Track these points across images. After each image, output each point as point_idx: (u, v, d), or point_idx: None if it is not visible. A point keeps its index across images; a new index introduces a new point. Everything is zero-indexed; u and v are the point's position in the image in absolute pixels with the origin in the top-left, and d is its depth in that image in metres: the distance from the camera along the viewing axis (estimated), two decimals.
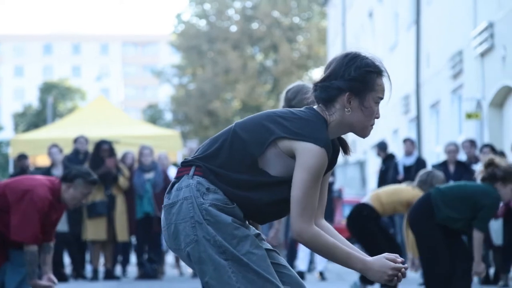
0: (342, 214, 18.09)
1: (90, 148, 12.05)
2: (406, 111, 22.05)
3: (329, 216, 11.81)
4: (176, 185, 3.16)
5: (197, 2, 41.52)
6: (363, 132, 3.17)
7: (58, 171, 11.49)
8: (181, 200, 3.10)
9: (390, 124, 24.11)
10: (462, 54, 16.61)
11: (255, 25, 41.16)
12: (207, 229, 3.06)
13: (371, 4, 27.53)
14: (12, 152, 14.74)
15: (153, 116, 54.10)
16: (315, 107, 3.17)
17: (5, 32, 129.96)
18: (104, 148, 11.62)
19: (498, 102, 15.00)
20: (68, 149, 12.57)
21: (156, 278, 11.83)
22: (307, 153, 3.02)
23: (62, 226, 11.20)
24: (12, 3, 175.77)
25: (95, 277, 11.67)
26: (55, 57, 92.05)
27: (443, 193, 6.75)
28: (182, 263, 13.90)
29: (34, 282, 6.04)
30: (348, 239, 3.49)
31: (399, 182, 11.92)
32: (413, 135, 19.93)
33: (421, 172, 7.94)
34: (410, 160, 13.10)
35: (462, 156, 12.52)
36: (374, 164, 22.99)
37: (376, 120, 3.20)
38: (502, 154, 10.91)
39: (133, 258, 13.60)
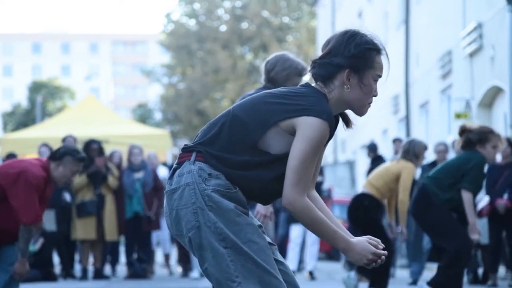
0: None
1: (79, 148, 12.01)
2: (396, 111, 22.09)
3: None
4: (177, 171, 3.15)
5: (187, 2, 41.47)
6: (360, 110, 3.17)
7: None
8: (183, 186, 3.09)
9: (380, 124, 24.15)
10: (451, 54, 16.66)
11: (244, 25, 41.16)
12: (209, 216, 3.05)
13: (360, 4, 27.57)
14: (1, 151, 14.68)
15: (143, 115, 54.10)
16: (313, 85, 3.17)
17: None
18: (93, 148, 11.61)
19: (487, 102, 15.05)
20: None
21: (145, 278, 11.81)
22: (310, 125, 3.01)
23: (51, 225, 11.17)
24: (0, 2, 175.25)
25: (84, 276, 11.65)
26: (44, 56, 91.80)
27: (434, 178, 6.86)
28: (172, 263, 13.89)
29: (25, 260, 6.02)
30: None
31: None
32: (402, 135, 19.96)
33: (403, 143, 8.05)
34: None
35: (452, 156, 12.53)
36: (363, 164, 23.02)
37: (370, 108, 3.21)
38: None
39: (122, 257, 13.57)
